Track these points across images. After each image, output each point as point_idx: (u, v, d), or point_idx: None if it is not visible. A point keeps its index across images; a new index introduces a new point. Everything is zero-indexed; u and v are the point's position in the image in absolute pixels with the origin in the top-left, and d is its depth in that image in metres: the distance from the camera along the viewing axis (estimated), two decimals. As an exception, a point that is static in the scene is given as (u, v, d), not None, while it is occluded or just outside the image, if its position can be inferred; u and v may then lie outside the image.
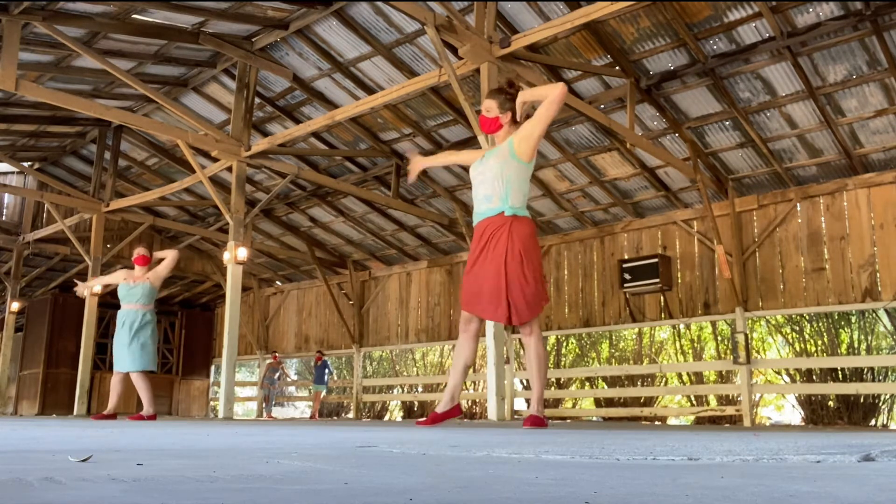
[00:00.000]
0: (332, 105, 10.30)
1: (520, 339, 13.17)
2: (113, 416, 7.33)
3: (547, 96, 3.91)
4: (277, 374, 16.03)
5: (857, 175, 9.29)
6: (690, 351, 13.38)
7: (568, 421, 11.50)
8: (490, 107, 4.02)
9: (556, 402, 13.64)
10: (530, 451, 1.81)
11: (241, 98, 9.88)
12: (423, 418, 4.35)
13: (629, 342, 14.78)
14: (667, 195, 10.66)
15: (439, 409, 4.11)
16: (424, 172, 11.58)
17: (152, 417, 7.32)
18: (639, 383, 12.94)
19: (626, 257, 11.16)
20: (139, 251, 7.45)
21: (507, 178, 3.91)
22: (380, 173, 11.82)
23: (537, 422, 3.93)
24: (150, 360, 7.29)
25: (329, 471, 1.29)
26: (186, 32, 9.12)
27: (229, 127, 10.21)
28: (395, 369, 18.69)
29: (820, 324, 11.41)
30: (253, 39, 9.67)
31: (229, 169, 10.05)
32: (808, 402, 11.09)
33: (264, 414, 15.93)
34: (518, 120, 4.04)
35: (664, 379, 13.00)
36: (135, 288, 7.29)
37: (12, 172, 14.28)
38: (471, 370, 16.22)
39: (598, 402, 13.43)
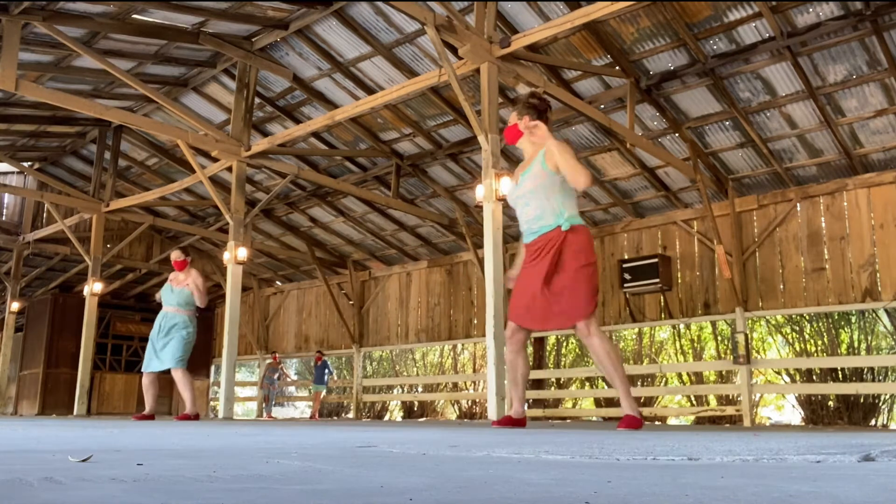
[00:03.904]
0: (332, 105, 10.30)
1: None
2: (151, 417, 7.28)
3: (568, 172, 3.81)
4: (277, 375, 16.03)
5: (857, 175, 9.28)
6: (690, 351, 13.38)
7: (568, 421, 11.50)
8: (511, 117, 4.13)
9: (556, 403, 13.64)
10: (530, 451, 1.81)
11: (241, 98, 9.88)
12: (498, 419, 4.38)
13: (629, 342, 14.78)
14: (667, 195, 10.66)
15: (514, 415, 4.20)
16: (424, 173, 11.58)
17: (196, 416, 7.29)
18: (639, 383, 12.93)
19: (626, 257, 11.15)
20: (175, 256, 7.37)
21: (555, 194, 3.91)
22: (380, 173, 11.82)
23: (633, 422, 3.79)
24: (178, 359, 7.18)
25: (329, 471, 1.29)
26: (186, 32, 9.12)
27: (229, 127, 10.21)
28: (395, 369, 18.69)
29: (820, 324, 11.40)
30: (253, 39, 9.67)
31: (229, 169, 10.05)
32: (808, 402, 11.08)
33: (264, 414, 15.93)
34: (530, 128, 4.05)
35: (664, 379, 13.00)
36: (175, 292, 7.30)
37: (12, 172, 14.28)
38: (472, 370, 16.13)
39: (598, 402, 13.43)
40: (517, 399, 4.19)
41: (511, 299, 4.09)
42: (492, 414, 6.10)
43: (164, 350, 7.16)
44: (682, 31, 7.79)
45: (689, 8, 7.63)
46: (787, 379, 11.67)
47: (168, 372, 7.21)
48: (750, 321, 11.13)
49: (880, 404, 10.65)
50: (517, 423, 4.19)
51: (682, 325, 12.84)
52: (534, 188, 3.95)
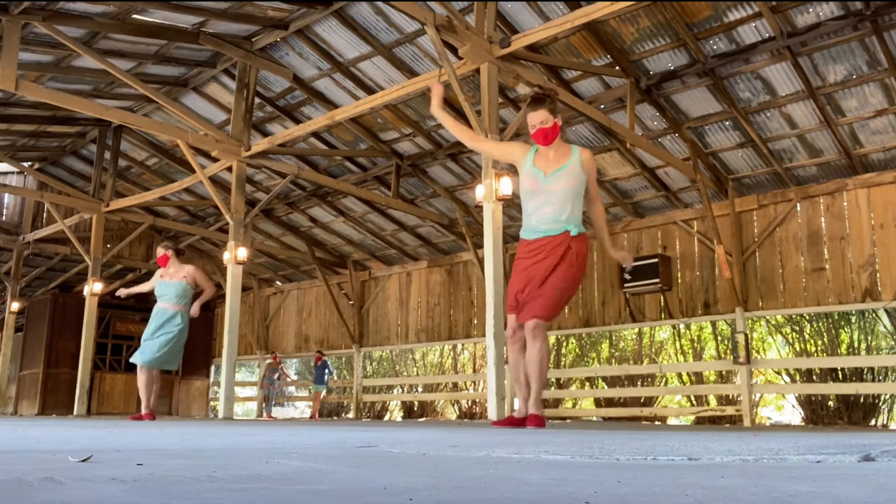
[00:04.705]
0: (332, 105, 10.30)
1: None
2: (150, 416, 7.14)
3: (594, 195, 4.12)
4: (277, 375, 16.04)
5: (857, 175, 9.28)
6: (690, 351, 13.38)
7: (568, 421, 11.50)
8: (545, 118, 3.97)
9: (556, 402, 13.64)
10: (530, 451, 1.81)
11: (241, 98, 9.88)
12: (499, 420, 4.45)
13: (629, 342, 14.77)
14: (667, 195, 10.66)
15: (516, 414, 4.23)
16: (424, 173, 11.58)
17: (151, 416, 7.19)
18: (639, 383, 12.94)
19: (626, 257, 11.13)
20: (159, 250, 7.22)
21: (577, 199, 3.96)
22: (380, 173, 11.82)
23: (538, 421, 3.98)
24: (167, 360, 7.09)
25: (329, 471, 1.29)
26: (186, 32, 9.12)
27: (229, 127, 10.21)
28: (395, 369, 18.69)
29: (820, 324, 11.40)
30: (253, 39, 9.67)
31: (229, 169, 10.05)
32: (808, 402, 11.08)
33: (264, 414, 15.93)
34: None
35: (664, 379, 13.00)
36: (170, 286, 7.17)
37: (12, 172, 14.28)
38: (472, 370, 16.12)
39: (598, 402, 13.42)
40: (521, 398, 4.20)
41: (508, 292, 4.10)
42: (492, 414, 6.10)
43: (148, 341, 7.06)
44: (682, 31, 7.79)
45: (689, 8, 7.63)
46: (787, 379, 11.66)
47: (169, 372, 7.17)
48: (750, 321, 11.13)
49: (880, 404, 10.64)
50: (520, 422, 4.19)
51: (682, 325, 12.84)
52: (565, 189, 3.94)
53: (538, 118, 3.97)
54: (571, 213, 3.94)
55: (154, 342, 7.07)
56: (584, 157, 4.00)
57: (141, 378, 7.19)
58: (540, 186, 3.97)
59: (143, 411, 7.21)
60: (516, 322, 4.06)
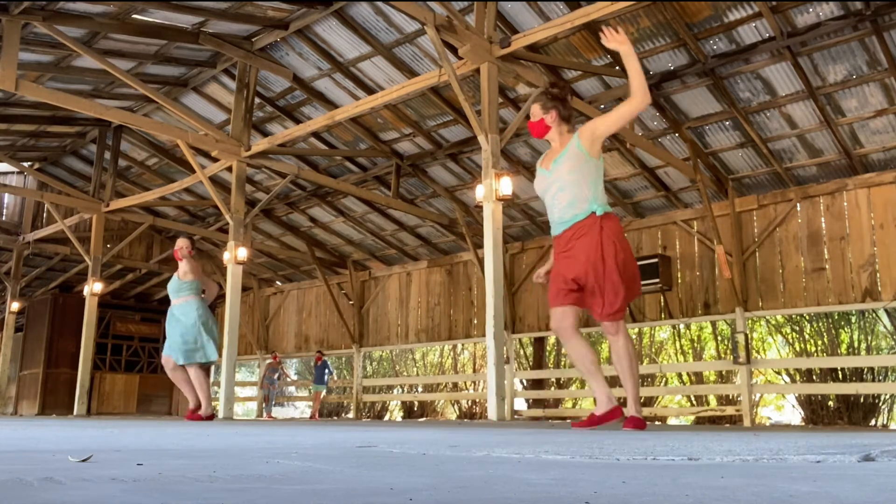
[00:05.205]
0: (332, 105, 10.30)
1: (518, 339, 13.15)
2: (210, 417, 7.00)
3: (634, 95, 3.72)
4: (277, 375, 16.03)
5: (857, 175, 9.28)
6: (690, 351, 13.38)
7: (568, 421, 11.50)
8: (534, 112, 3.98)
9: (556, 403, 13.64)
10: (530, 451, 1.81)
11: (241, 98, 9.88)
12: (581, 420, 4.05)
13: (629, 342, 14.76)
14: (667, 195, 10.65)
15: (598, 412, 3.83)
16: (424, 173, 11.58)
17: (210, 417, 7.01)
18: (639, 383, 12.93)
19: (626, 257, 11.13)
20: (186, 242, 7.05)
21: (590, 179, 3.88)
22: (380, 173, 11.82)
23: (638, 424, 3.75)
24: (185, 352, 6.85)
25: (329, 471, 1.29)
26: (186, 32, 9.12)
27: (229, 127, 10.21)
28: (395, 369, 18.69)
29: (820, 324, 11.40)
30: (253, 39, 9.67)
31: (229, 169, 10.05)
32: (808, 402, 11.08)
33: (264, 414, 15.93)
34: (566, 119, 3.99)
35: (664, 379, 13.00)
36: (172, 282, 7.09)
37: (12, 172, 14.29)
38: (472, 370, 16.08)
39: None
40: (599, 390, 3.82)
41: (550, 288, 3.90)
42: (492, 414, 6.09)
43: (170, 342, 6.91)
44: (682, 31, 7.79)
45: (689, 8, 7.63)
46: (787, 379, 11.67)
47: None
48: (750, 321, 11.13)
49: (880, 404, 10.65)
50: (604, 418, 3.80)
51: (682, 325, 12.84)
52: (571, 169, 3.86)
53: (531, 111, 4.03)
54: (590, 193, 3.84)
55: (177, 338, 6.90)
56: (581, 133, 3.88)
57: (174, 377, 7.06)
58: (547, 179, 3.94)
59: (191, 407, 7.04)
60: (562, 314, 3.84)
